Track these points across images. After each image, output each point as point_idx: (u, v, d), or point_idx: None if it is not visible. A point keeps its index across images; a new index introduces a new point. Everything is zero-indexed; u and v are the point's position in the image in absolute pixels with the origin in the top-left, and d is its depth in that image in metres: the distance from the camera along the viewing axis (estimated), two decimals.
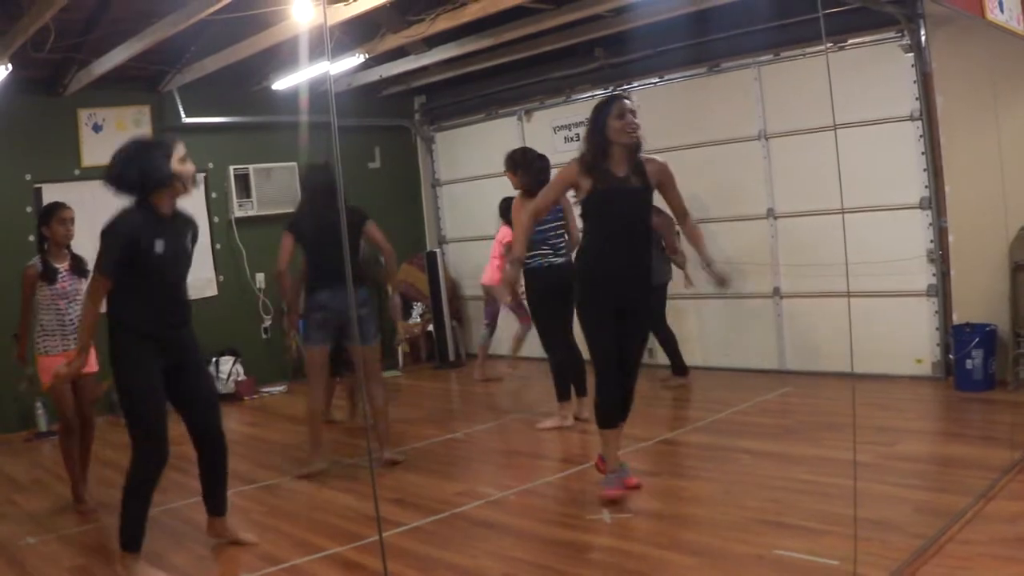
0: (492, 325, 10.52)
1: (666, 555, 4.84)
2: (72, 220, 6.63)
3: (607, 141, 5.56)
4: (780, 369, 9.28)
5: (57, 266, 6.55)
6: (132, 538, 5.09)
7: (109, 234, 5.04)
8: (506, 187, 8.16)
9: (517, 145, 9.99)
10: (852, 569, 4.16)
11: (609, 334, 5.69)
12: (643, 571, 4.68)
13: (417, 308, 12.12)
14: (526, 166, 7.71)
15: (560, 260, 7.76)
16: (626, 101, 5.63)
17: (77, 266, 6.63)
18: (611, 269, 5.61)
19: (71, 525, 6.30)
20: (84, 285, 6.52)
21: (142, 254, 5.06)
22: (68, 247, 6.65)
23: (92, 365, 6.40)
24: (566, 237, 7.82)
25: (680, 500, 5.75)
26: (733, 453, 6.48)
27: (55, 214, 6.60)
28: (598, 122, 5.60)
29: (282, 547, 5.52)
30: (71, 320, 6.54)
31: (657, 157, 5.71)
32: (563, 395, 7.96)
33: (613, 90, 10.36)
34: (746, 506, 5.39)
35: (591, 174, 5.61)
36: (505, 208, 9.52)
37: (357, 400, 8.04)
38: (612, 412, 5.80)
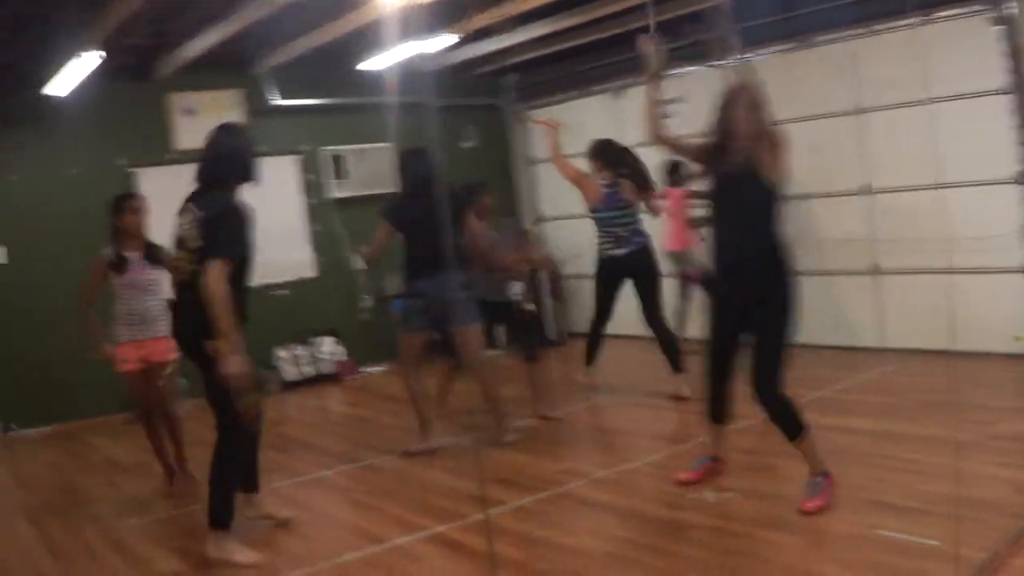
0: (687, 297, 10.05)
1: (768, 534, 4.88)
2: (144, 210, 6.72)
3: (730, 131, 5.33)
4: (881, 347, 9.18)
5: (128, 255, 6.60)
6: (226, 517, 5.24)
7: (238, 218, 5.17)
8: None
9: (610, 122, 10.13)
10: (953, 549, 4.17)
11: (720, 326, 5.59)
12: (745, 550, 4.73)
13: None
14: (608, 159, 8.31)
15: (623, 251, 8.19)
16: (755, 94, 5.37)
17: (151, 254, 6.66)
18: (730, 257, 5.44)
19: (173, 506, 6.51)
20: (156, 275, 6.63)
21: (250, 241, 5.24)
22: (141, 236, 6.72)
23: (167, 353, 6.52)
24: (636, 226, 8.23)
25: (782, 479, 5.74)
26: (835, 432, 6.42)
27: (127, 204, 6.68)
28: (724, 111, 5.39)
29: (385, 526, 5.66)
30: (138, 311, 6.60)
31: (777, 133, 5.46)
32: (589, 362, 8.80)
33: (705, 66, 10.35)
34: (848, 485, 5.36)
35: (711, 160, 5.51)
36: (672, 169, 9.64)
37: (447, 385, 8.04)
38: (710, 406, 5.78)
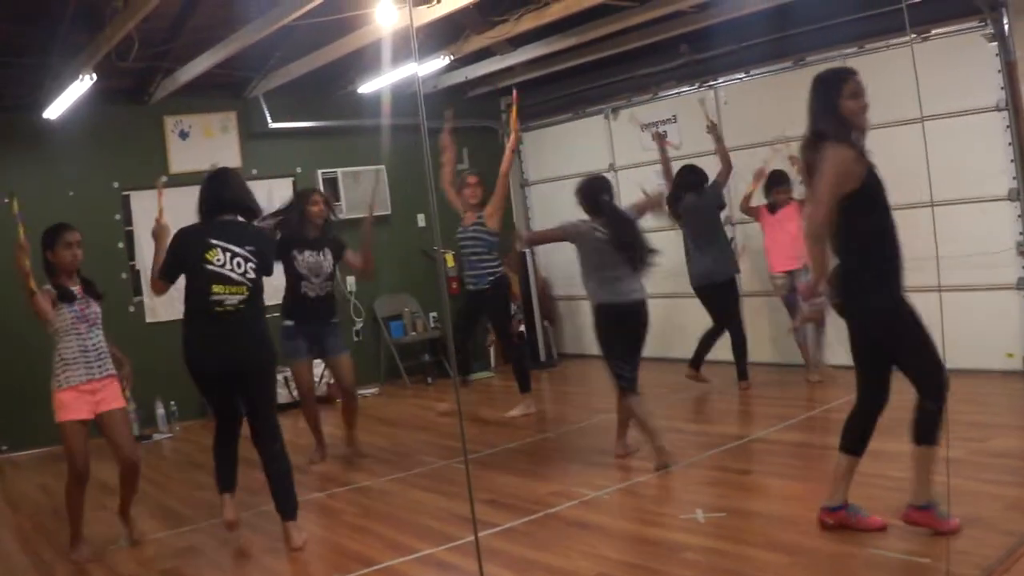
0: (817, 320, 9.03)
1: (760, 554, 4.85)
2: (79, 243, 5.90)
3: (847, 123, 4.64)
4: None
5: (72, 288, 5.84)
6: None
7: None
8: None
9: (604, 144, 10.13)
10: (945, 567, 4.16)
11: (875, 348, 5.02)
12: (738, 570, 4.71)
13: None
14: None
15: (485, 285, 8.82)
16: (859, 78, 4.68)
17: (90, 289, 6.00)
18: (896, 268, 4.78)
19: (161, 529, 6.47)
20: (99, 308, 6.00)
21: None
22: (77, 272, 5.95)
23: (120, 400, 6.01)
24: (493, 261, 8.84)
25: (774, 498, 5.73)
26: (826, 451, 6.40)
27: (60, 238, 5.83)
28: (830, 100, 4.66)
29: (376, 548, 5.62)
30: (94, 346, 5.84)
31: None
32: (524, 387, 9.13)
33: (699, 86, 10.38)
34: None
35: (860, 162, 4.67)
36: (778, 178, 9.12)
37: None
38: (858, 437, 5.22)
